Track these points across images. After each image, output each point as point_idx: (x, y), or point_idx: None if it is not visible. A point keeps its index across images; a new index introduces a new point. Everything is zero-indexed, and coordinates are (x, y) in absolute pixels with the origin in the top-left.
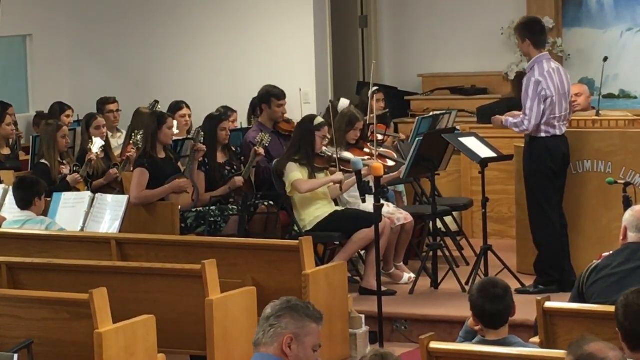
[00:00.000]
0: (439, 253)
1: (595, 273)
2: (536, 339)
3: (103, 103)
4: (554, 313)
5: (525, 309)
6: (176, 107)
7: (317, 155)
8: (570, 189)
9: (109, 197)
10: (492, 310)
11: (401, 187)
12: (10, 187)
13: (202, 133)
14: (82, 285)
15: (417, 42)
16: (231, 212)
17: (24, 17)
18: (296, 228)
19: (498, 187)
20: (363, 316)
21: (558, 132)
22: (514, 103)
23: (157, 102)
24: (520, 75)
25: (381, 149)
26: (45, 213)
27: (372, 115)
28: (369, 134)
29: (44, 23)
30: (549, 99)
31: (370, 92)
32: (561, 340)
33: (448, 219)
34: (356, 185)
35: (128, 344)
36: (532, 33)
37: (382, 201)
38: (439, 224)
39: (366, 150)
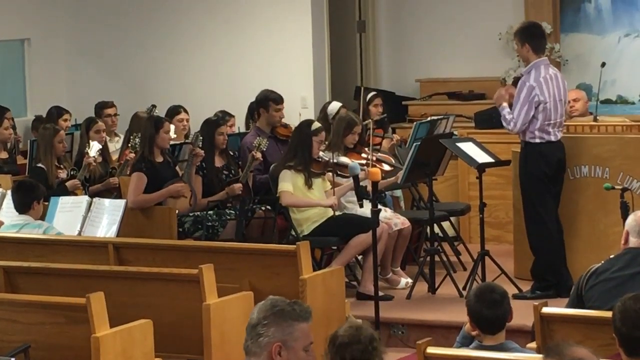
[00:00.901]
0: (437, 258)
1: (594, 276)
2: (533, 344)
3: (101, 107)
4: (551, 318)
5: (522, 314)
6: (174, 111)
7: (314, 160)
8: (567, 194)
9: (107, 202)
10: (489, 315)
11: (399, 192)
12: (8, 191)
13: (201, 137)
14: (79, 289)
15: (415, 47)
16: (229, 217)
17: (21, 21)
18: (293, 233)
19: (495, 192)
20: (360, 321)
21: (553, 138)
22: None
23: (154, 106)
24: (518, 81)
25: (379, 154)
26: (42, 217)
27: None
28: (366, 138)
29: (42, 27)
30: (541, 105)
31: (368, 97)
32: None
33: (445, 224)
34: (353, 190)
35: (125, 348)
36: (532, 38)
37: (379, 206)
38: (437, 229)
39: (364, 155)
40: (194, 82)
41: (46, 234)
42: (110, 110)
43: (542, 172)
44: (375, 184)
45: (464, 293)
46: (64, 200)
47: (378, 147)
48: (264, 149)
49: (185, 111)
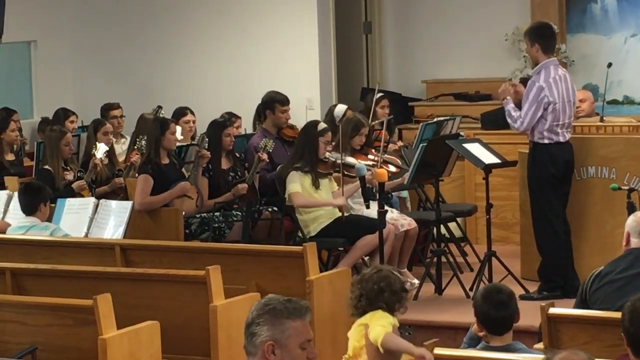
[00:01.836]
0: (443, 259)
1: (598, 280)
2: (540, 345)
3: (107, 109)
4: (558, 319)
5: (529, 315)
6: (180, 113)
7: (320, 160)
8: (574, 195)
9: (113, 203)
10: (496, 316)
11: (405, 193)
12: (15, 193)
13: (207, 139)
14: (86, 291)
15: (421, 48)
16: (235, 218)
17: (28, 23)
18: (300, 234)
19: (502, 193)
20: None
21: (561, 139)
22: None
23: (160, 107)
24: (524, 81)
25: (385, 155)
26: (49, 219)
27: (376, 122)
28: (373, 140)
29: (48, 29)
30: (551, 105)
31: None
32: (565, 346)
33: (452, 225)
34: (360, 191)
35: (132, 350)
36: (542, 38)
37: (386, 207)
38: (443, 230)
39: (370, 156)
40: (200, 84)
41: (53, 236)
42: (116, 112)
43: (550, 174)
44: (381, 185)
45: (471, 294)
46: (70, 202)
47: (385, 148)
48: (270, 150)
49: (192, 112)
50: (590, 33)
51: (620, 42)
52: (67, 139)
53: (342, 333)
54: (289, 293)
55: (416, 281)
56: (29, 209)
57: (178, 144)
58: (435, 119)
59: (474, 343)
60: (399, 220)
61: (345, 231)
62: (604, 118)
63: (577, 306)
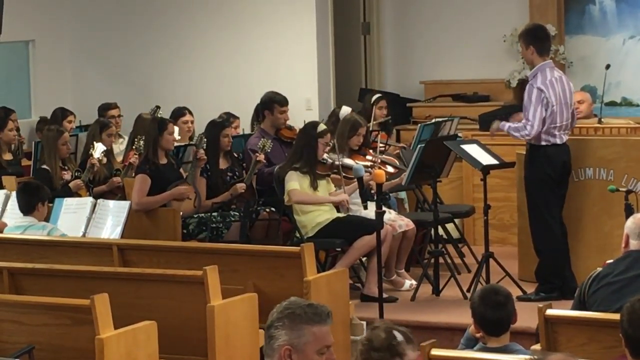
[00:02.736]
0: (441, 260)
1: (597, 281)
2: (538, 347)
3: (104, 109)
4: (555, 320)
5: (526, 316)
6: (179, 113)
7: (319, 161)
8: (572, 196)
9: (111, 203)
10: (493, 317)
11: (403, 194)
12: (13, 193)
13: (205, 139)
14: (83, 290)
15: (420, 49)
16: (233, 218)
17: (26, 22)
18: (298, 234)
19: (500, 194)
20: (364, 323)
21: (558, 141)
22: (515, 110)
23: (158, 107)
24: (522, 83)
25: (383, 156)
26: (47, 218)
27: (374, 123)
28: (371, 141)
29: (47, 29)
30: (549, 108)
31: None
32: (563, 348)
33: (450, 226)
34: (358, 191)
35: (129, 350)
36: (536, 40)
37: (383, 208)
38: (441, 231)
39: (368, 157)
40: (198, 84)
41: (50, 236)
42: (114, 112)
43: (547, 175)
44: (379, 185)
45: (468, 295)
46: (68, 202)
47: (383, 149)
48: (268, 151)
49: (190, 113)
50: (589, 34)
51: (618, 44)
52: (64, 138)
53: (340, 334)
54: (286, 293)
55: (414, 282)
56: (26, 208)
57: (176, 143)
58: (433, 120)
59: (471, 344)
60: (396, 221)
61: (343, 232)
62: (602, 119)
63: (575, 307)
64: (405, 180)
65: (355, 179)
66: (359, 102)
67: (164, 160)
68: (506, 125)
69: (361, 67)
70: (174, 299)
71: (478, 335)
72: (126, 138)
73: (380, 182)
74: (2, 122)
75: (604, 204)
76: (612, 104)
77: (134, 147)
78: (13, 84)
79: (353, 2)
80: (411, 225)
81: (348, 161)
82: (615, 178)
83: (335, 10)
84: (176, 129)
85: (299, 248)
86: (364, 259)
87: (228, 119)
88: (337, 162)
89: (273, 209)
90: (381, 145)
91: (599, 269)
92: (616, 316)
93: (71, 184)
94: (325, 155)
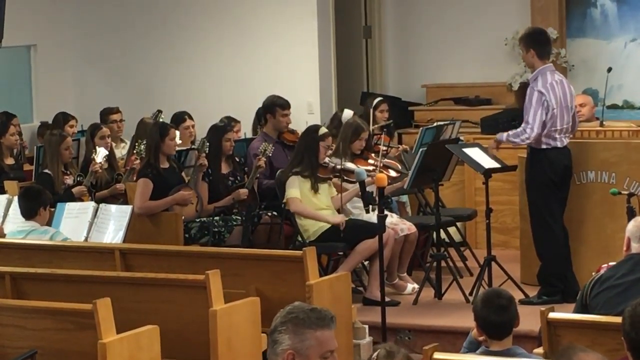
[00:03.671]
0: (443, 263)
1: (599, 284)
2: (540, 350)
3: (106, 113)
4: (557, 324)
5: (529, 319)
6: (180, 118)
7: (320, 165)
8: (573, 199)
9: (113, 208)
10: (496, 320)
11: (405, 198)
12: (15, 197)
13: (207, 143)
14: (85, 295)
15: (421, 53)
16: (235, 223)
17: (28, 27)
18: (300, 238)
19: (502, 197)
20: (367, 327)
21: (559, 144)
22: (517, 113)
23: (160, 111)
24: (524, 86)
25: (385, 160)
26: (49, 223)
27: (375, 126)
28: (373, 144)
29: (48, 33)
30: (550, 111)
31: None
32: None
33: (452, 230)
34: (360, 195)
35: (132, 354)
36: (537, 43)
37: (385, 212)
38: (443, 235)
39: (370, 160)
40: (199, 88)
41: (53, 240)
42: (115, 116)
43: (548, 178)
44: (381, 189)
45: (471, 298)
46: (70, 206)
47: (385, 153)
48: (270, 155)
49: (191, 118)
50: (590, 38)
51: (620, 47)
52: (67, 142)
53: (342, 338)
54: (288, 297)
55: (416, 286)
56: (28, 213)
57: (178, 148)
58: (435, 124)
59: (473, 348)
60: (398, 224)
61: (345, 236)
62: (604, 122)
63: (577, 310)
64: (407, 184)
65: (357, 183)
66: (361, 106)
67: (165, 165)
68: (504, 135)
69: (363, 70)
70: (176, 303)
71: (481, 338)
72: (128, 142)
73: (382, 186)
74: (4, 126)
75: (606, 207)
76: (613, 107)
77: (135, 151)
78: (15, 88)
79: (354, 5)
80: (413, 228)
81: (350, 165)
82: (617, 181)
83: (336, 14)
84: (177, 133)
85: (301, 252)
86: (366, 263)
87: (230, 123)
88: (338, 166)
89: (275, 213)
90: (383, 147)
91: (602, 270)
92: (618, 319)
93: (74, 189)
94: (327, 159)
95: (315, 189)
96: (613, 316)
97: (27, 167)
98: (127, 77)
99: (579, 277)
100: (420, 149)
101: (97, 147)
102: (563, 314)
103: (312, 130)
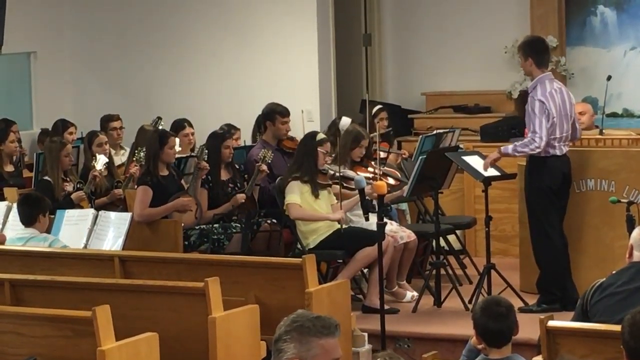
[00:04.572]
0: (442, 271)
1: (599, 291)
2: (539, 358)
3: (106, 120)
4: (557, 332)
5: (528, 327)
6: (179, 126)
7: (319, 171)
8: (573, 207)
9: (112, 215)
10: (495, 328)
11: (404, 206)
12: (14, 204)
13: (206, 151)
14: (85, 302)
15: (421, 61)
16: (234, 230)
17: (28, 34)
18: (299, 246)
19: (501, 205)
20: (366, 334)
21: (558, 152)
22: (516, 122)
23: (159, 118)
24: (524, 94)
25: (385, 168)
26: (48, 230)
27: (375, 134)
28: (373, 151)
29: (48, 41)
30: (550, 120)
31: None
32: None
33: (451, 238)
34: (359, 203)
35: None
36: (535, 52)
37: (385, 219)
38: (442, 243)
39: (370, 168)
40: (199, 95)
41: (52, 247)
42: (115, 124)
43: (547, 186)
44: (381, 197)
45: (470, 306)
46: (69, 213)
47: (384, 160)
48: (269, 162)
49: (190, 125)
50: (590, 46)
51: (619, 55)
52: (67, 149)
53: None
54: (288, 305)
55: (415, 293)
56: (28, 220)
57: (177, 155)
58: (434, 132)
59: (473, 355)
60: (398, 232)
61: (344, 243)
62: (604, 131)
63: (577, 317)
64: (407, 192)
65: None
66: (360, 114)
67: (165, 172)
68: (509, 148)
69: (362, 78)
70: (175, 310)
71: (480, 346)
72: (127, 149)
73: (381, 194)
74: (4, 133)
75: (605, 215)
76: (613, 115)
77: (134, 158)
78: (14, 95)
79: (354, 13)
80: (412, 236)
81: (349, 173)
82: (617, 189)
83: (336, 22)
84: (177, 140)
85: (300, 259)
86: (365, 271)
87: (229, 130)
88: (338, 174)
89: (274, 220)
90: (383, 154)
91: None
92: (618, 328)
93: (73, 196)
94: (326, 166)
95: (315, 195)
96: (613, 324)
97: (26, 173)
98: (127, 84)
99: (578, 285)
100: (420, 157)
101: (96, 154)
102: (562, 322)
103: (310, 136)
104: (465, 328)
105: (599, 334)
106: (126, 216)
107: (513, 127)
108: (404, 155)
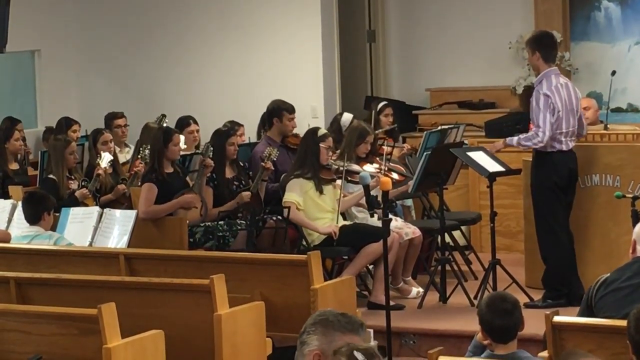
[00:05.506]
0: (448, 267)
1: (604, 287)
2: (545, 353)
3: (111, 118)
4: (562, 327)
5: (533, 323)
6: (184, 123)
7: (323, 166)
8: (578, 203)
9: (118, 212)
10: (500, 324)
11: (409, 202)
12: (19, 202)
13: (211, 148)
14: (90, 300)
15: (425, 57)
16: (239, 227)
17: (32, 32)
18: (304, 243)
19: (506, 201)
20: (372, 331)
21: (564, 147)
22: (521, 117)
23: (164, 115)
24: (528, 89)
25: (390, 164)
26: (53, 228)
27: (380, 130)
28: (378, 147)
29: (53, 38)
30: (555, 114)
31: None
32: None
33: (456, 233)
34: (364, 199)
35: (137, 359)
36: (543, 46)
37: (390, 215)
38: (447, 238)
39: (375, 164)
40: (203, 92)
41: (57, 245)
42: (120, 121)
43: (553, 182)
44: (386, 193)
45: (475, 302)
46: (74, 211)
47: (389, 156)
48: (275, 159)
49: (195, 122)
50: (594, 41)
51: (624, 50)
52: (72, 147)
53: None
54: (293, 302)
55: (420, 289)
56: (32, 218)
57: (182, 152)
58: (439, 127)
59: (478, 351)
60: (403, 228)
61: (349, 240)
62: (608, 126)
63: (582, 312)
64: (412, 188)
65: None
66: (365, 110)
67: (169, 169)
68: (514, 139)
69: (367, 74)
70: (181, 308)
71: (485, 342)
72: (132, 147)
73: (386, 190)
74: (8, 131)
75: (611, 210)
76: (617, 110)
77: (139, 156)
78: (19, 93)
79: (358, 10)
80: (418, 232)
81: (354, 167)
82: (622, 184)
83: (340, 18)
84: (182, 137)
85: (305, 256)
86: (370, 267)
87: (233, 127)
88: (342, 168)
89: (279, 217)
90: (388, 148)
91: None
92: (623, 323)
93: (77, 193)
94: (330, 161)
95: (320, 190)
96: (618, 319)
97: (31, 172)
98: (131, 82)
99: (584, 281)
100: (425, 153)
101: (101, 152)
102: (568, 317)
103: (312, 132)
104: (470, 324)
105: (605, 329)
106: (131, 214)
107: (518, 122)
108: (407, 149)
